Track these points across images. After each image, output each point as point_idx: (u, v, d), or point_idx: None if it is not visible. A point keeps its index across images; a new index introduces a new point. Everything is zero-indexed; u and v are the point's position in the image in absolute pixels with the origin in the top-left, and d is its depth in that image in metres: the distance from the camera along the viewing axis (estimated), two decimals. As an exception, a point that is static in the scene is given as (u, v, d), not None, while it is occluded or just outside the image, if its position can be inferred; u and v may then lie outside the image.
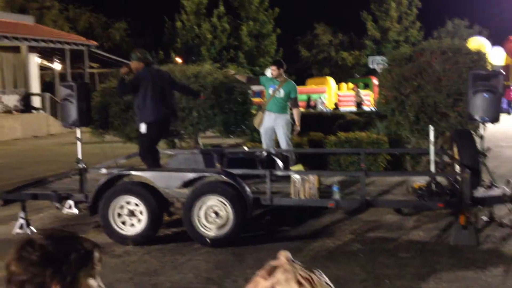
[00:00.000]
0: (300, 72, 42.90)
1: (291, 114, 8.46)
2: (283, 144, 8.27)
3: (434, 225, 6.58)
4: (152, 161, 6.91)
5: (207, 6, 38.40)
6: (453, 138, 7.16)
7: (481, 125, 6.47)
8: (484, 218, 6.54)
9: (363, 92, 32.30)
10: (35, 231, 6.54)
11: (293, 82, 8.58)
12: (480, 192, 6.19)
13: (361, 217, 7.00)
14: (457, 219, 5.82)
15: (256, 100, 15.39)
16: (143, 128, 6.82)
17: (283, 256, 1.21)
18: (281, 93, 8.27)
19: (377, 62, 31.32)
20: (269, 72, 8.65)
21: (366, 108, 22.74)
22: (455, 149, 6.82)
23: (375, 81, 28.65)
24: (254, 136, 10.24)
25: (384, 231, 6.45)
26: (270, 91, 8.33)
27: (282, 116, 8.27)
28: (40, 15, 35.73)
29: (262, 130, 8.39)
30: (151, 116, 6.79)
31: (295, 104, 8.45)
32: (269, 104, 8.30)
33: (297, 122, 8.37)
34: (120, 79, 6.87)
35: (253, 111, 10.64)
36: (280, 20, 40.62)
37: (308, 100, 30.47)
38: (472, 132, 7.03)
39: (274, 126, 8.28)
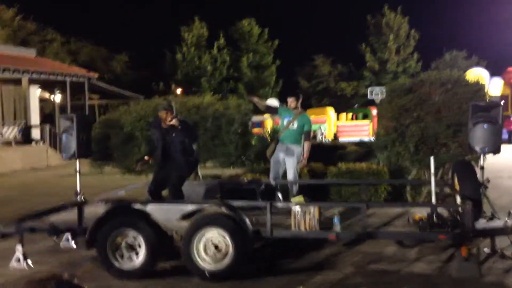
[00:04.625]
0: (299, 103, 42.97)
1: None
2: (290, 176, 8.24)
3: (435, 257, 6.49)
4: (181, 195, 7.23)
5: (208, 39, 38.84)
6: (453, 169, 7.13)
7: (481, 156, 6.45)
8: (486, 250, 6.46)
9: (363, 122, 32.34)
10: (31, 265, 6.45)
11: (308, 116, 8.58)
12: (481, 223, 6.12)
13: (362, 248, 6.91)
14: (459, 251, 5.76)
15: (256, 130, 15.44)
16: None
17: None
18: (295, 125, 8.29)
19: (375, 93, 31.54)
20: (272, 101, 8.69)
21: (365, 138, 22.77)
22: (456, 180, 6.78)
23: (374, 111, 28.71)
24: (254, 167, 10.20)
25: (386, 263, 6.37)
26: (285, 122, 8.36)
27: (293, 147, 8.26)
28: (42, 48, 36.06)
29: (272, 160, 8.38)
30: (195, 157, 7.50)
31: (307, 137, 8.43)
32: (283, 135, 8.34)
33: (305, 155, 8.33)
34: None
35: (253, 142, 10.62)
36: (280, 52, 41.09)
37: None
38: (473, 163, 7.00)
39: (284, 157, 8.27)
